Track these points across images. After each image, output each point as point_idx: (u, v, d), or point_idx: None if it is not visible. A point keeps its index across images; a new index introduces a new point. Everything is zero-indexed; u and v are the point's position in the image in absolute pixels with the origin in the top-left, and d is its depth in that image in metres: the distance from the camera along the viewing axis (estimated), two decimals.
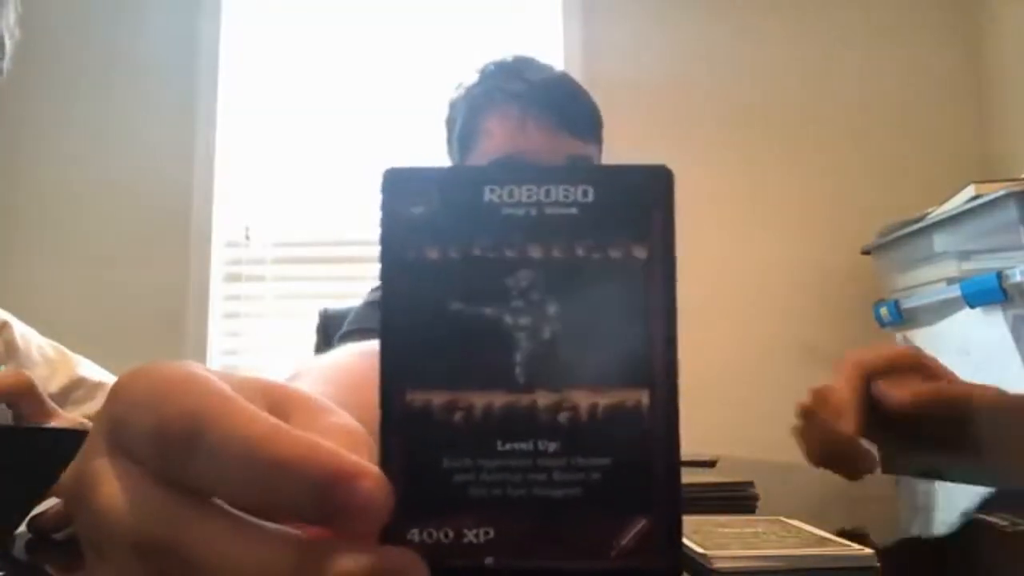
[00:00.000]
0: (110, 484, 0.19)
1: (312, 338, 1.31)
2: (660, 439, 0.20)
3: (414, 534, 0.19)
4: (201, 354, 2.10)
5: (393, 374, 0.20)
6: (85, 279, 2.15)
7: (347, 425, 0.20)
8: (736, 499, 0.67)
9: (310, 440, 0.18)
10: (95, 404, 0.81)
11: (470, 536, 0.19)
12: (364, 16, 2.31)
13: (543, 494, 0.19)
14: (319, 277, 2.20)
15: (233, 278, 2.22)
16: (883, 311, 1.90)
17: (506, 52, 0.98)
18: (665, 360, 0.20)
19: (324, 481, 0.17)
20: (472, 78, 0.97)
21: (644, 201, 0.20)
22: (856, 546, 0.43)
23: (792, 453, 0.88)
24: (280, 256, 2.23)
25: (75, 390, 0.80)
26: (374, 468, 0.18)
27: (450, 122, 1.00)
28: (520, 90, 0.88)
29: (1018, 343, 1.48)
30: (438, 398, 0.20)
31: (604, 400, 0.20)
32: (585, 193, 0.20)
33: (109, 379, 0.85)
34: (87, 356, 0.86)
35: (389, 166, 0.21)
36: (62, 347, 0.84)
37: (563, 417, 0.20)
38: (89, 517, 0.20)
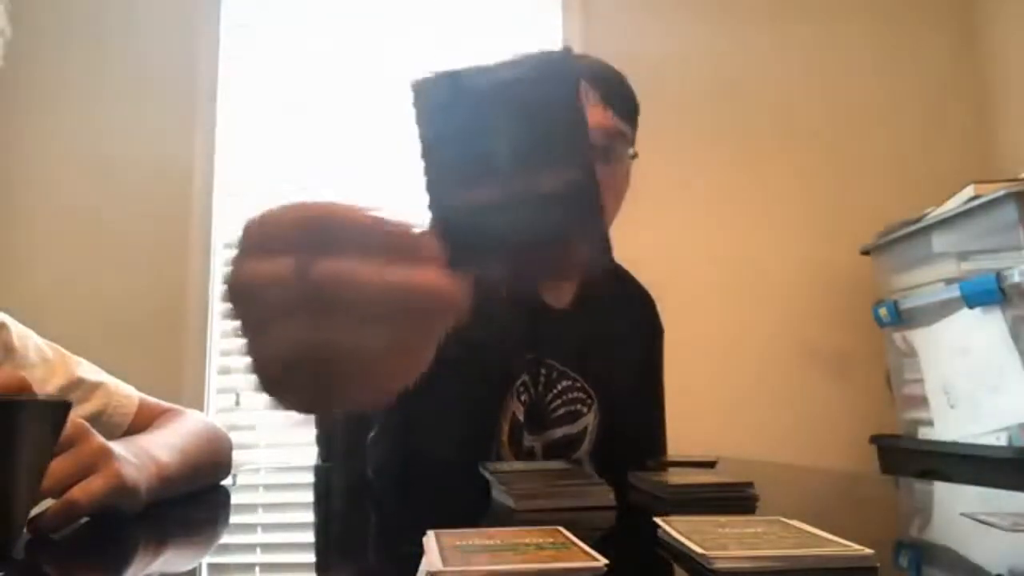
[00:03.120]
0: (268, 266, 0.31)
1: None
2: (588, 193, 0.33)
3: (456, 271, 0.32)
4: (201, 354, 2.10)
5: (432, 180, 0.34)
6: (85, 279, 2.15)
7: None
8: (736, 499, 0.67)
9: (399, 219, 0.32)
10: (93, 405, 0.81)
11: (487, 270, 0.33)
12: (364, 16, 2.31)
13: (523, 237, 0.33)
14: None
15: None
16: (882, 311, 1.90)
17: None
18: (584, 146, 0.34)
19: (408, 240, 0.32)
20: None
21: (562, 75, 0.36)
22: (856, 546, 0.43)
23: (792, 453, 0.88)
24: None
25: (73, 391, 0.80)
26: (433, 238, 0.32)
27: None
28: (581, 67, 0.97)
29: (1017, 343, 1.48)
30: (460, 190, 0.34)
31: (555, 176, 0.33)
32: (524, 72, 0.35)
33: (107, 380, 0.85)
34: (87, 356, 0.86)
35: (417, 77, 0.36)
36: (60, 348, 0.84)
37: (531, 186, 0.33)
38: (253, 296, 0.31)
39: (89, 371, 0.84)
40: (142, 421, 0.83)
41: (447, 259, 0.32)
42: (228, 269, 0.33)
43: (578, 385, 1.01)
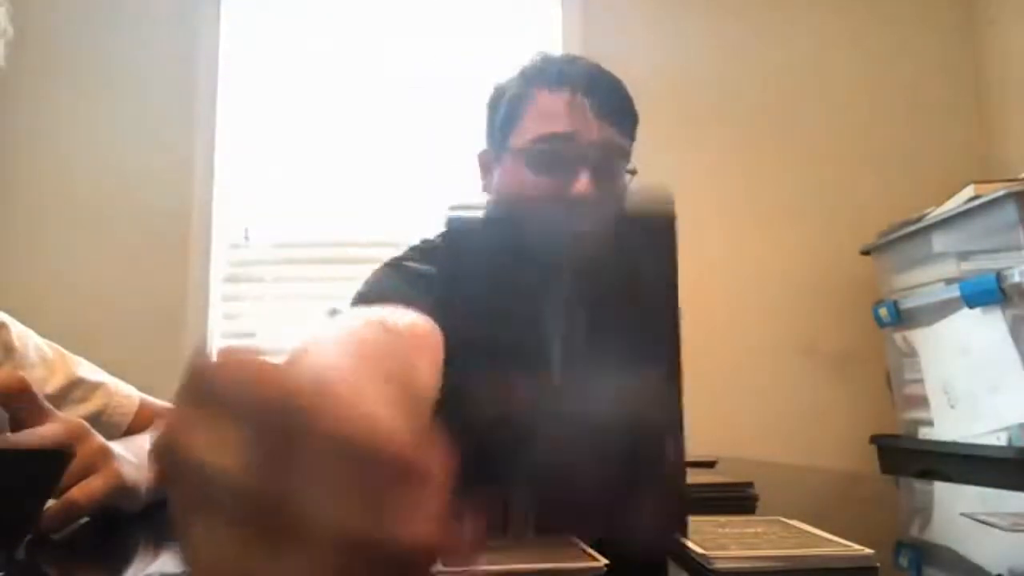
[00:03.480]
0: (220, 447, 0.22)
1: None
2: (669, 430, 0.24)
3: (467, 501, 0.22)
4: None
5: (456, 367, 0.23)
6: (85, 279, 2.15)
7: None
8: (736, 499, 0.67)
9: (393, 428, 0.22)
10: (93, 404, 0.81)
11: (514, 503, 0.23)
12: (364, 17, 2.31)
13: (574, 469, 0.23)
14: (319, 278, 2.20)
15: (233, 278, 2.22)
16: (882, 311, 1.90)
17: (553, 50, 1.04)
18: (672, 361, 0.24)
19: (404, 463, 0.22)
20: (526, 62, 1.00)
21: (654, 237, 0.24)
22: (856, 546, 0.43)
23: (792, 453, 0.87)
24: (280, 256, 2.23)
25: (73, 390, 0.80)
26: (438, 453, 0.22)
27: (497, 95, 1.00)
28: (573, 74, 0.93)
29: (1017, 343, 1.48)
30: (492, 387, 0.23)
31: (623, 392, 0.23)
32: (607, 227, 0.24)
33: (107, 380, 0.84)
34: (87, 356, 0.86)
35: (452, 208, 0.24)
36: (60, 348, 0.84)
37: (588, 405, 0.23)
38: (197, 475, 0.22)
39: (89, 371, 0.84)
40: (142, 421, 0.83)
41: (456, 483, 0.21)
42: (168, 419, 0.24)
43: None
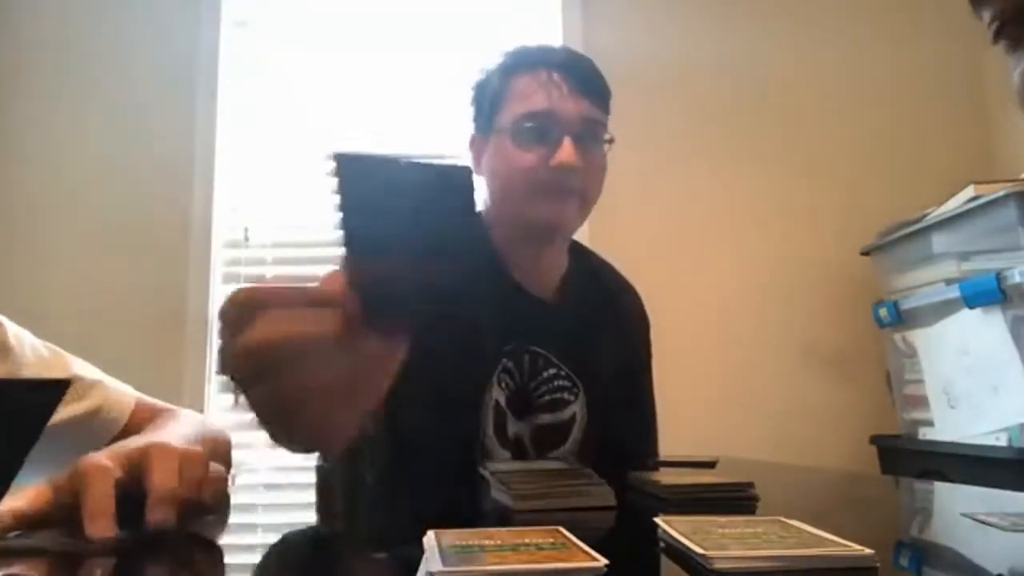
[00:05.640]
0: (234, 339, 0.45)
1: None
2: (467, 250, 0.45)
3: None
4: (201, 354, 2.10)
5: (350, 244, 0.44)
6: (85, 279, 2.15)
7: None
8: (736, 499, 0.67)
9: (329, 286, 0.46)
10: (91, 402, 0.81)
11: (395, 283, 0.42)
12: (364, 17, 2.31)
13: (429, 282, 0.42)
14: (318, 278, 2.20)
15: (233, 278, 2.22)
16: (882, 312, 1.90)
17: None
18: (473, 241, 0.46)
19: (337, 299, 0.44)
20: (504, 53, 1.07)
21: (459, 187, 0.45)
22: (856, 546, 0.43)
23: (792, 453, 0.87)
24: (280, 256, 2.23)
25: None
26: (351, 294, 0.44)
27: (481, 85, 1.07)
28: (548, 57, 1.01)
29: (1017, 343, 1.48)
30: (373, 253, 0.44)
31: (450, 258, 0.44)
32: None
33: (104, 378, 0.84)
34: (88, 356, 0.86)
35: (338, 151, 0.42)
36: (56, 347, 0.84)
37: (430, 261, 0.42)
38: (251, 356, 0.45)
39: (85, 370, 0.84)
40: (138, 420, 0.83)
41: (360, 277, 0.43)
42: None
43: (563, 373, 1.03)
